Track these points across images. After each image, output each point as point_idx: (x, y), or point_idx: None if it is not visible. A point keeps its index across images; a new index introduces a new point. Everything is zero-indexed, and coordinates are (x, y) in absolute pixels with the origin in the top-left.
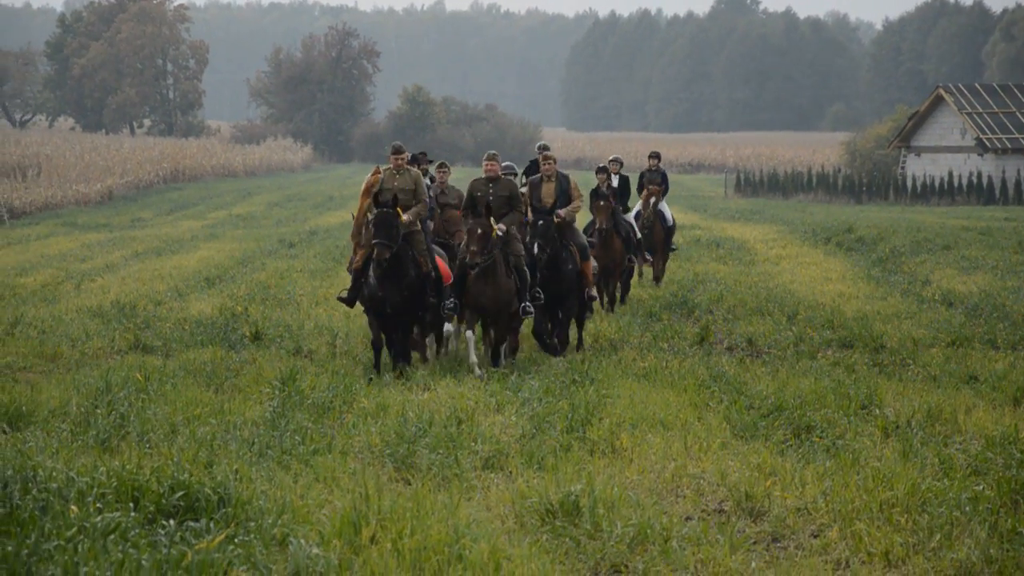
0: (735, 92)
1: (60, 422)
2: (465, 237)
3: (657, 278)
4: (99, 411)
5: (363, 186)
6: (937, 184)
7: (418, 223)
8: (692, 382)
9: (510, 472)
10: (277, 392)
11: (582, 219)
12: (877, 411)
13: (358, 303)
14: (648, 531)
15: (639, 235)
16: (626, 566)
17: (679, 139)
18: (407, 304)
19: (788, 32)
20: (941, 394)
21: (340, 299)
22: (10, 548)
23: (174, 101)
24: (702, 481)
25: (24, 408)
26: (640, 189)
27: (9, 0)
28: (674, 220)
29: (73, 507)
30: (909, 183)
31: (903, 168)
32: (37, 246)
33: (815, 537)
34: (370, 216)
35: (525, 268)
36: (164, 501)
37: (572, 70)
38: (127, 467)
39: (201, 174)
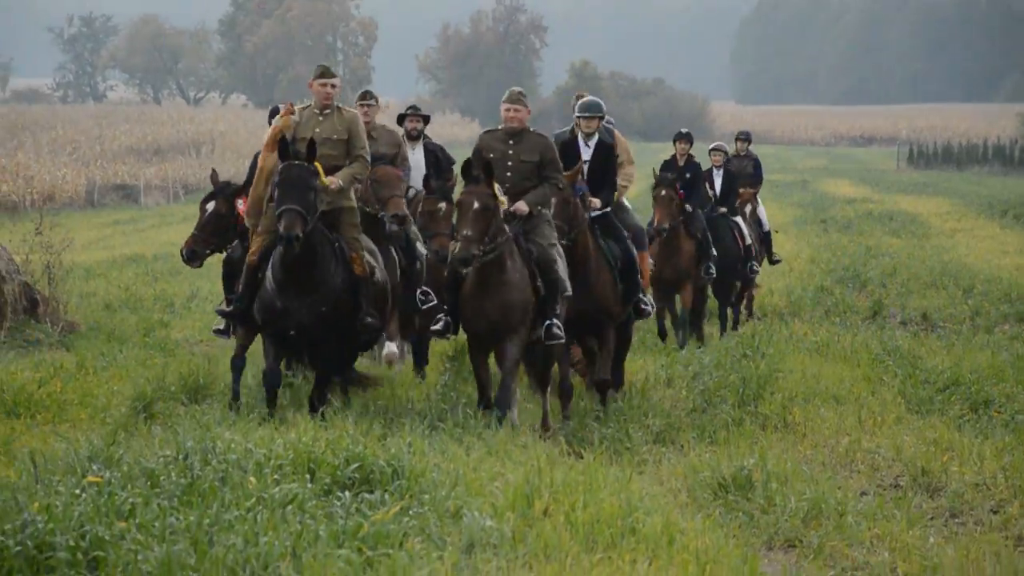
0: (908, 63)
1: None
2: (456, 217)
3: (749, 306)
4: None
5: (267, 135)
6: None
7: (352, 194)
8: (865, 356)
9: (681, 446)
10: (447, 366)
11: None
12: None
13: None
14: (822, 506)
15: (748, 240)
16: (800, 540)
17: (850, 111)
18: (325, 325)
19: (964, 1)
20: None
21: (217, 328)
22: (192, 518)
23: (344, 77)
24: (877, 456)
25: (202, 381)
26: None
27: None
28: (770, 227)
29: (251, 478)
30: None
31: None
32: None
33: (995, 513)
34: (274, 175)
35: (556, 268)
36: (339, 473)
37: (741, 43)
38: (303, 439)
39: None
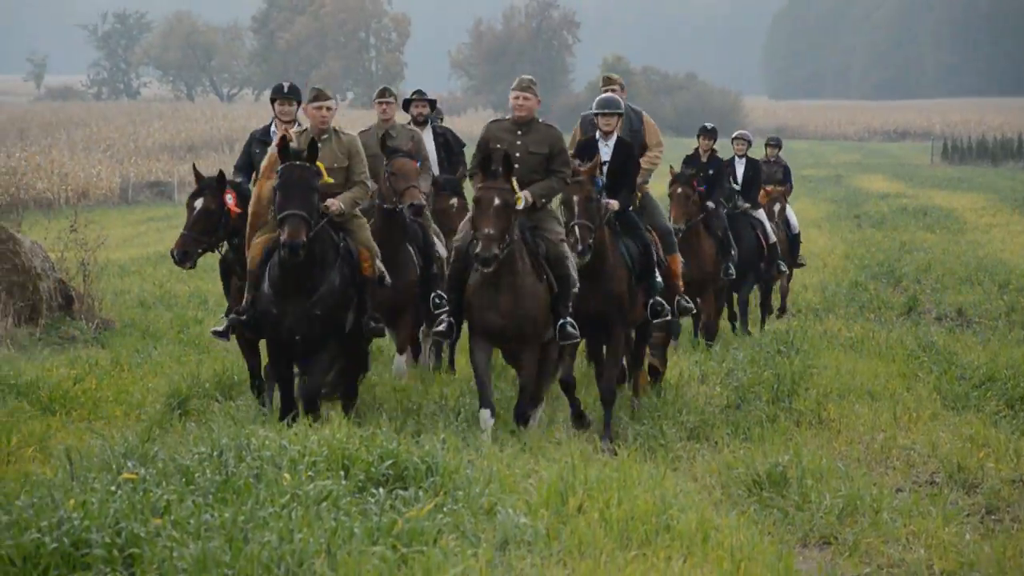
0: (942, 57)
1: (270, 391)
2: (472, 214)
3: (782, 303)
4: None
5: (263, 163)
6: None
7: (358, 213)
8: (900, 352)
9: (715, 443)
10: None
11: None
12: None
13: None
14: (858, 502)
15: (771, 239)
16: (836, 537)
17: (883, 106)
18: (324, 330)
19: None
20: None
21: (216, 329)
22: (227, 515)
23: (376, 74)
24: (912, 452)
25: (236, 378)
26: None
27: None
28: (799, 230)
29: (286, 475)
30: None
31: None
32: None
33: None
34: (274, 178)
35: (568, 265)
36: (373, 470)
37: (774, 37)
38: (337, 436)
39: None
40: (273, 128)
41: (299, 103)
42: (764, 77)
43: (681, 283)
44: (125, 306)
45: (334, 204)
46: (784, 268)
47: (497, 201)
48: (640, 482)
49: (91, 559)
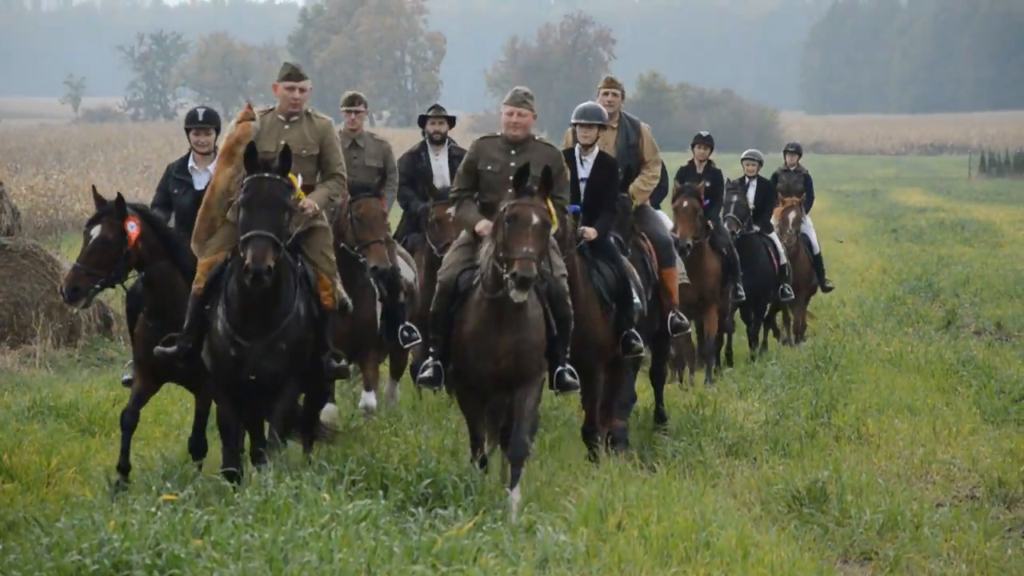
0: (980, 71)
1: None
2: (508, 232)
3: (798, 331)
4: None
5: (223, 144)
6: None
7: (324, 215)
8: (939, 367)
9: (755, 459)
10: None
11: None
12: None
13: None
14: (898, 518)
15: (783, 260)
16: (876, 553)
17: (920, 120)
18: (285, 369)
19: None
20: None
21: (128, 378)
22: (267, 535)
23: (412, 92)
24: (952, 467)
25: None
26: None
27: None
28: (820, 249)
29: (325, 495)
30: None
31: None
32: None
33: None
34: (238, 192)
35: (568, 303)
36: (412, 489)
37: (811, 53)
38: (376, 456)
39: None
40: (191, 163)
41: (218, 131)
42: (801, 92)
43: (676, 298)
44: None
45: (308, 204)
46: (789, 293)
47: (536, 219)
48: (679, 499)
49: None
